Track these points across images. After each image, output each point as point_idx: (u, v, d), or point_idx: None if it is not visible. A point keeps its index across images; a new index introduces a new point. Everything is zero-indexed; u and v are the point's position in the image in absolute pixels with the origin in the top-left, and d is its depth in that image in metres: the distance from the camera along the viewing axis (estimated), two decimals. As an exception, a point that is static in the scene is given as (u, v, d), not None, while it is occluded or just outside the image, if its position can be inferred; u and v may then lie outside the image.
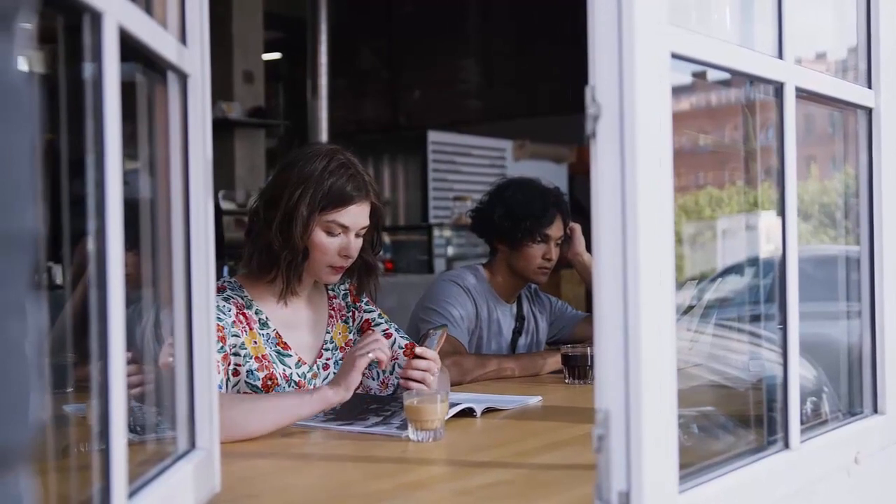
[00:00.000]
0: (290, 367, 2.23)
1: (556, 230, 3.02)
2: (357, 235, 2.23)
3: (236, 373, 2.14)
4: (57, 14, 1.01)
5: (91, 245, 1.03)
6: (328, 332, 2.35)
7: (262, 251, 2.21)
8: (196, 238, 1.38)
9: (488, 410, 2.18)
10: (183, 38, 1.36)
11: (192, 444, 1.38)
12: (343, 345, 2.37)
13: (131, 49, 1.12)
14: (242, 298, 2.23)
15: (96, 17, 1.01)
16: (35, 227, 0.59)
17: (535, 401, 2.35)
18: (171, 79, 1.35)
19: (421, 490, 1.56)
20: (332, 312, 2.38)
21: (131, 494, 1.10)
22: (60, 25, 1.04)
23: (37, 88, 0.61)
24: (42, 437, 0.63)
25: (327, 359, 2.33)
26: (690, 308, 2.21)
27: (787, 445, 1.54)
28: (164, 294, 1.41)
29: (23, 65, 0.60)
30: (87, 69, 1.03)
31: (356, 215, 2.21)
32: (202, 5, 1.40)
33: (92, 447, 1.42)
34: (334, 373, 2.29)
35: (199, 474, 1.36)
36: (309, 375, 2.27)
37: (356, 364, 1.99)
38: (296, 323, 2.30)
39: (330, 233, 2.19)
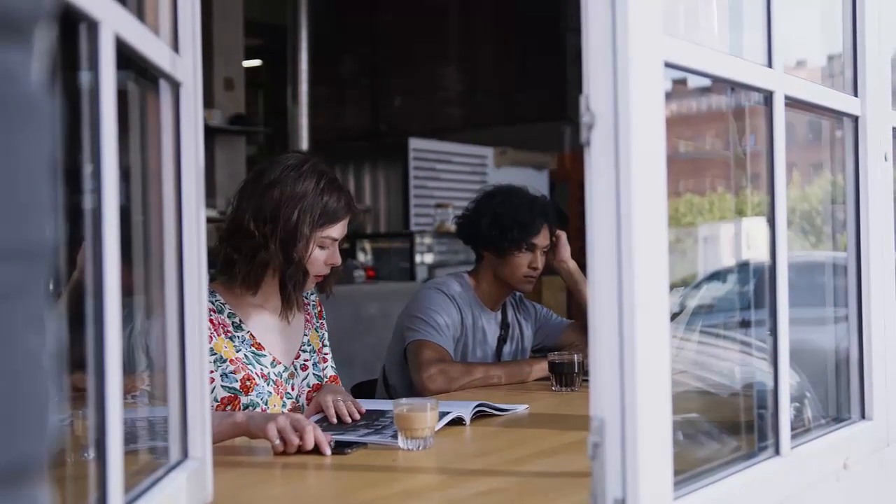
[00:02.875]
0: (266, 367, 2.27)
1: (542, 239, 3.02)
2: (339, 244, 2.33)
3: (210, 380, 2.15)
4: (52, 22, 1.00)
5: (87, 254, 1.02)
6: (305, 335, 2.41)
7: (260, 268, 2.24)
8: (188, 246, 1.38)
9: (479, 415, 2.18)
10: (175, 47, 1.36)
11: (185, 454, 1.38)
12: (317, 349, 2.44)
13: (125, 57, 1.12)
14: (213, 303, 2.26)
15: (93, 26, 1.00)
16: (53, 239, 0.59)
17: (522, 409, 2.36)
18: (164, 87, 1.34)
19: (415, 499, 1.55)
20: (308, 317, 2.45)
21: (127, 505, 1.09)
22: (55, 33, 1.04)
23: (53, 99, 0.61)
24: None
25: (305, 360, 2.39)
26: (675, 315, 2.22)
27: (777, 452, 1.54)
28: (154, 302, 1.40)
29: (40, 75, 0.60)
30: (83, 77, 1.02)
31: (344, 227, 2.32)
32: (194, 13, 1.39)
33: (82, 456, 1.41)
34: (313, 374, 2.38)
35: (192, 484, 1.35)
36: (286, 375, 2.31)
37: (267, 430, 1.85)
38: (272, 326, 2.34)
39: (322, 246, 2.28)
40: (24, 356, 0.56)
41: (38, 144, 0.58)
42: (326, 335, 2.51)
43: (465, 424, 2.12)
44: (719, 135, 1.99)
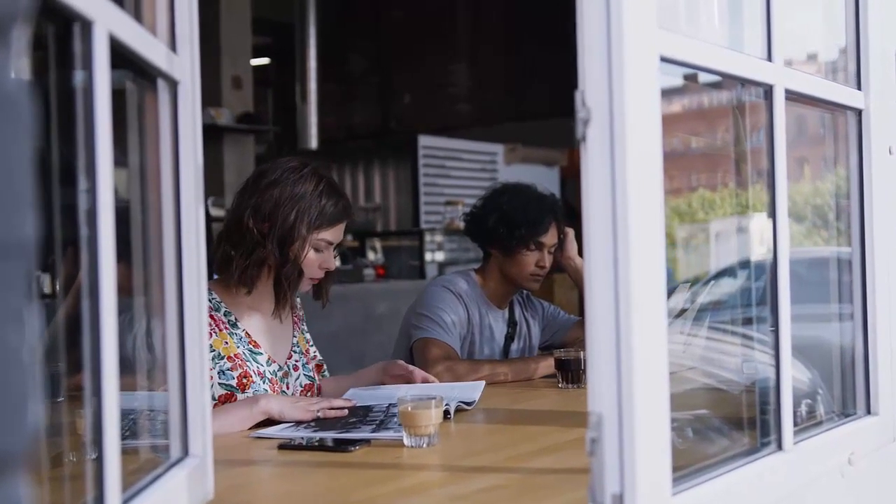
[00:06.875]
0: (262, 365, 2.31)
1: (550, 238, 3.01)
2: (334, 249, 2.38)
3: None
4: (46, 21, 1.01)
5: (83, 254, 1.02)
6: (294, 337, 2.47)
7: (256, 265, 2.28)
8: (188, 246, 1.38)
9: (459, 409, 2.21)
10: (173, 46, 1.36)
11: (186, 452, 1.38)
12: (304, 350, 2.49)
13: (121, 56, 1.12)
14: (210, 301, 2.28)
15: (87, 26, 1.00)
16: (33, 236, 0.60)
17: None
18: (161, 86, 1.34)
19: (417, 495, 1.55)
20: (296, 320, 2.50)
21: (125, 502, 1.10)
22: (49, 32, 1.04)
23: (33, 97, 0.61)
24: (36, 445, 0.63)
25: (296, 361, 2.44)
26: (683, 311, 2.22)
27: (780, 447, 1.54)
28: (156, 303, 1.41)
29: (19, 74, 0.60)
30: (77, 77, 1.02)
31: (339, 232, 2.36)
32: (192, 12, 1.39)
33: (82, 456, 1.41)
34: (304, 374, 2.43)
35: (193, 481, 1.35)
36: (280, 374, 2.36)
37: (292, 413, 2.09)
38: (265, 327, 2.38)
39: (317, 249, 2.32)
40: (2, 351, 0.56)
41: (17, 142, 0.59)
42: (308, 335, 2.55)
43: (449, 418, 2.12)
44: (730, 130, 1.99)
